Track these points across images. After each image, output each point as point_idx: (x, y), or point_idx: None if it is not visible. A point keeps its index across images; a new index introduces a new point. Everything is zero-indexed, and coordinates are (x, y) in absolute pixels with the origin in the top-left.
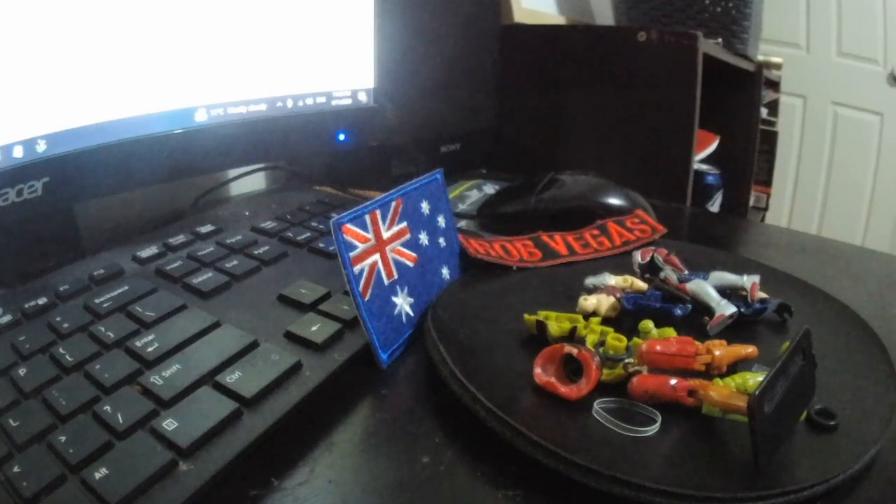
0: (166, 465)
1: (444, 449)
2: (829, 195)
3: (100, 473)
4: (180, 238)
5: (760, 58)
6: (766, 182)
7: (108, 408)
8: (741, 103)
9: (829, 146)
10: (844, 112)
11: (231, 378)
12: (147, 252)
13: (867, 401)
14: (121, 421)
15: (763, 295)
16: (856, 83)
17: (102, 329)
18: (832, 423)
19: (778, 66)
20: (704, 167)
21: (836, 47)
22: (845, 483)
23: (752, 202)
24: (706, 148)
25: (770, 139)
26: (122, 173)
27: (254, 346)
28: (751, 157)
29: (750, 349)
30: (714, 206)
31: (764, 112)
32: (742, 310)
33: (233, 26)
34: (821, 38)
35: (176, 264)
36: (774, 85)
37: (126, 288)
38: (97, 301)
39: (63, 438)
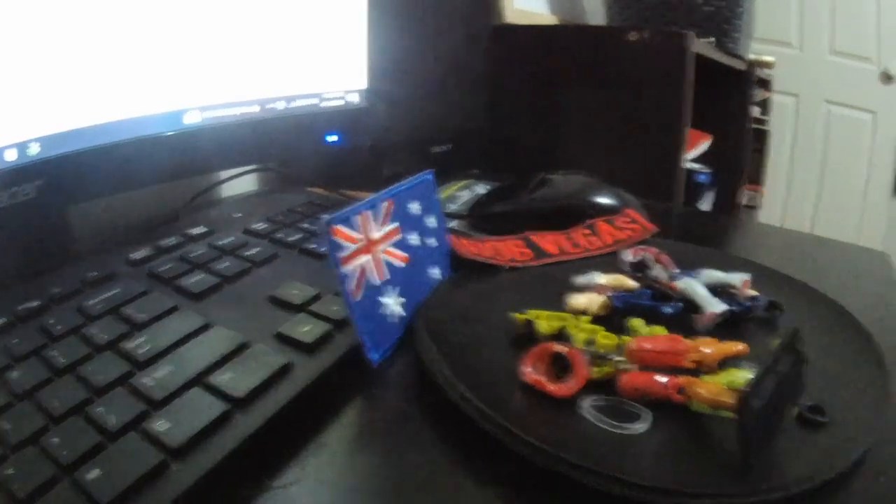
0: (158, 466)
1: (434, 448)
2: (822, 193)
3: (92, 474)
4: (172, 240)
5: (752, 57)
6: (758, 180)
7: (100, 409)
8: (733, 102)
9: (822, 144)
10: (837, 110)
11: (222, 379)
12: (139, 254)
13: (859, 398)
14: (113, 422)
15: (754, 293)
16: (849, 81)
17: (94, 331)
18: (823, 419)
19: (769, 65)
20: (696, 166)
21: (829, 46)
22: (836, 479)
23: (744, 201)
24: (697, 147)
25: (761, 138)
26: (117, 175)
27: (245, 346)
28: (742, 155)
29: (740, 346)
30: (705, 204)
31: (756, 111)
32: (732, 308)
33: (225, 28)
34: (814, 37)
35: (167, 266)
36: (766, 84)
37: (118, 290)
38: (89, 303)
39: (56, 440)
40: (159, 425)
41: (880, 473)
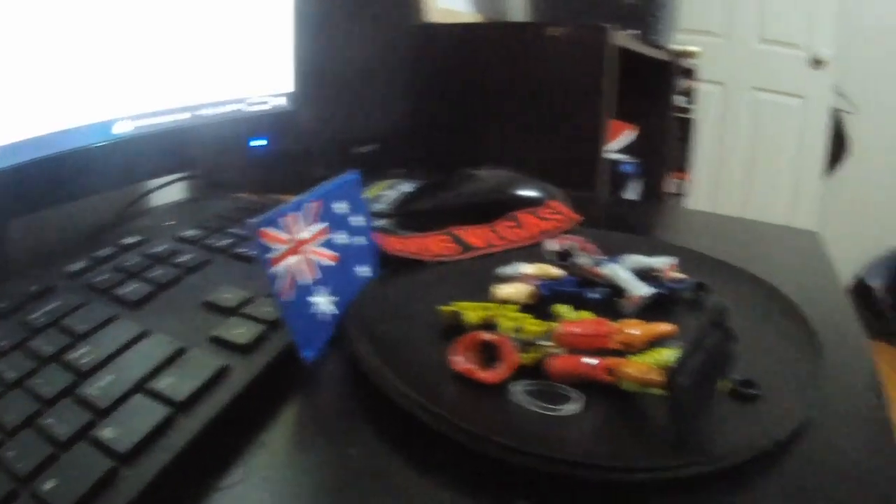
0: (109, 473)
1: (371, 441)
2: (752, 179)
3: (49, 485)
4: (107, 251)
5: (676, 47)
6: (683, 168)
7: (50, 420)
8: (657, 93)
9: (751, 131)
10: (765, 97)
11: (163, 384)
12: (75, 266)
13: (792, 372)
14: (63, 432)
15: (679, 275)
16: (777, 68)
17: (39, 344)
18: (755, 393)
19: (693, 55)
20: (621, 157)
21: (757, 34)
22: (771, 451)
23: (671, 189)
24: (622, 137)
25: (685, 126)
26: (52, 188)
27: (182, 352)
28: (667, 144)
29: (668, 327)
30: (632, 194)
31: (681, 100)
32: (658, 290)
33: (153, 35)
34: (742, 26)
35: (104, 277)
36: (690, 73)
37: (58, 302)
38: (32, 317)
39: (11, 453)
40: (106, 433)
41: (814, 446)
